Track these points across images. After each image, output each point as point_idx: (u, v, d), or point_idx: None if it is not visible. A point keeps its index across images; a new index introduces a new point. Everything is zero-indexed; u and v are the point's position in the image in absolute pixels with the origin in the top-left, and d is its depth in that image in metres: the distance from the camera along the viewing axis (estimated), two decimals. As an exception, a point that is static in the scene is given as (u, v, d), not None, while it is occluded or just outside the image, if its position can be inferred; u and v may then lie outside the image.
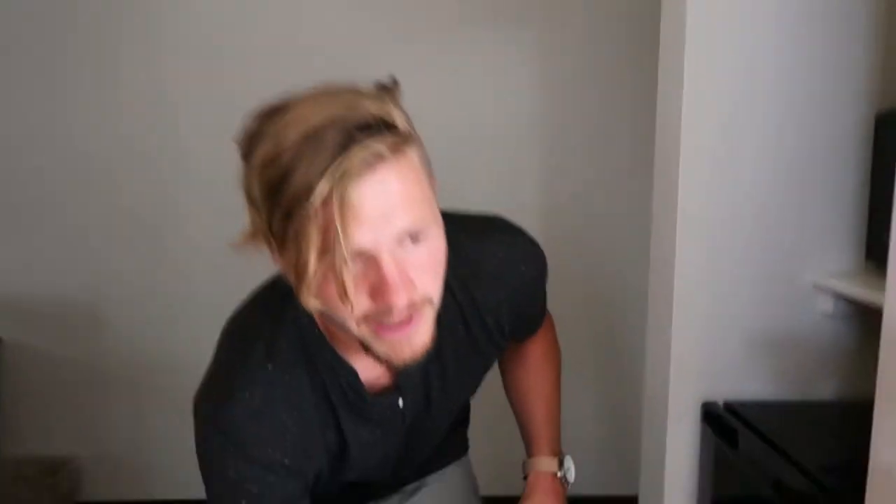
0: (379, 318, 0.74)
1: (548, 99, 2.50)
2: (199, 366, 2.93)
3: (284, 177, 0.67)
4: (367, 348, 0.78)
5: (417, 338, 0.77)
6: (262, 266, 0.85)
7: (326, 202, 0.66)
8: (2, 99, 2.44)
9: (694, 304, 1.59)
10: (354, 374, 0.88)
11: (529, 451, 1.20)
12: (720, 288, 1.59)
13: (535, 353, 1.23)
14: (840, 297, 1.53)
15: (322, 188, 0.65)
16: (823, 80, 1.51)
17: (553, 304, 2.81)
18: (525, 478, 1.18)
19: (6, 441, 2.59)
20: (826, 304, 1.56)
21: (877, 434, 1.03)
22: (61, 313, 2.56)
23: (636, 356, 2.12)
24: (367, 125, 0.68)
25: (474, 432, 1.33)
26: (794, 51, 1.49)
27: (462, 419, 1.28)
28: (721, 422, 1.57)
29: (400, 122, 0.72)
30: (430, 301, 0.77)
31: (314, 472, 0.90)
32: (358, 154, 0.66)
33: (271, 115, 0.71)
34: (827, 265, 1.57)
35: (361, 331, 0.75)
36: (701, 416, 1.63)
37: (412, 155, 0.73)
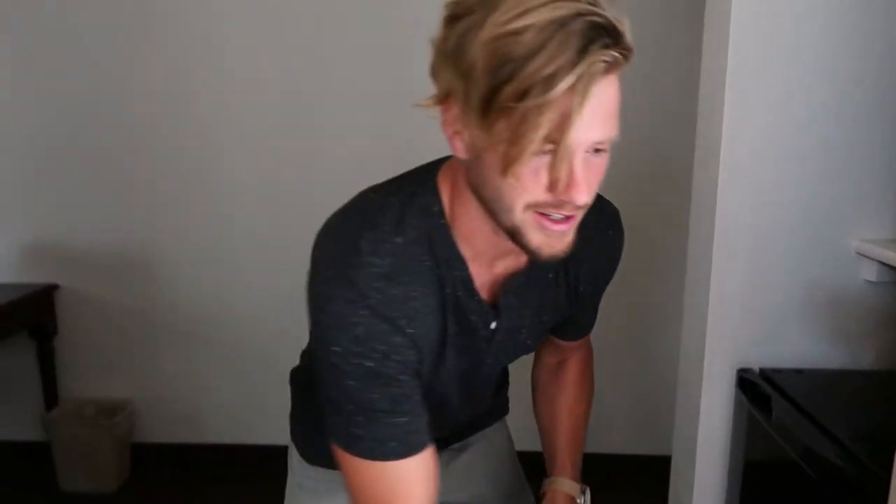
0: (547, 208, 0.75)
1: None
2: (245, 316, 3.00)
3: (526, 56, 0.66)
4: (514, 236, 0.79)
5: (567, 237, 0.79)
6: (312, 233, 0.87)
7: (566, 94, 0.67)
8: (57, 53, 2.51)
9: (733, 268, 1.56)
10: (467, 269, 0.88)
11: (551, 471, 1.19)
12: (760, 253, 1.55)
13: (572, 373, 1.23)
14: (884, 265, 1.49)
15: (569, 80, 0.66)
16: (875, 42, 1.45)
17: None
18: (542, 495, 1.17)
19: (65, 383, 2.73)
20: (869, 271, 1.52)
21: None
22: (115, 262, 2.64)
23: (673, 315, 2.10)
24: (604, 27, 0.68)
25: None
26: (848, 9, 1.44)
27: (504, 379, 1.27)
28: (755, 389, 1.55)
29: (628, 34, 0.70)
30: (586, 209, 0.78)
31: (423, 355, 0.89)
32: (602, 54, 0.67)
33: None
34: (872, 232, 1.52)
35: (524, 217, 0.76)
36: (736, 382, 1.62)
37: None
